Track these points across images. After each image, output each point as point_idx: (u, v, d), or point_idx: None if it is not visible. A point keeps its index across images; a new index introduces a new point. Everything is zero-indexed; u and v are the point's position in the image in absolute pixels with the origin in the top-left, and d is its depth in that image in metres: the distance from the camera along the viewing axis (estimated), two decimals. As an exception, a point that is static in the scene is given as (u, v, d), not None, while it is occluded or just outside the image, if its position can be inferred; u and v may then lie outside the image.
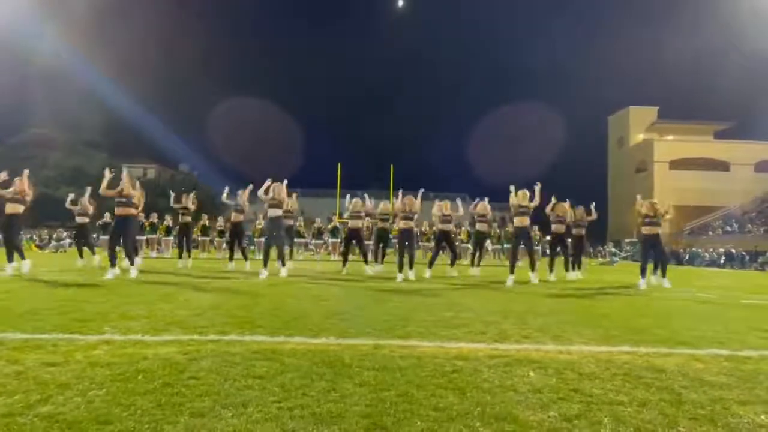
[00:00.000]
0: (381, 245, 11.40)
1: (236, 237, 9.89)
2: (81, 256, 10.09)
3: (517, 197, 8.47)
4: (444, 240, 9.82)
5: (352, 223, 10.04)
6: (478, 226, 10.53)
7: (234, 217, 9.95)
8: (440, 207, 9.75)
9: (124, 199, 7.58)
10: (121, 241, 7.78)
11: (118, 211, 7.62)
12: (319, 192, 43.86)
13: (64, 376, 2.40)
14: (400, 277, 8.41)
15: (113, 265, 7.47)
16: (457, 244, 11.81)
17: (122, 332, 3.48)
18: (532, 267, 8.67)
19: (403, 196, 9.15)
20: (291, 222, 10.12)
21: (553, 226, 9.80)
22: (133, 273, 7.59)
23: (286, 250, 9.27)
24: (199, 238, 18.14)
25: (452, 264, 10.24)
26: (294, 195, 9.64)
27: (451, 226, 9.86)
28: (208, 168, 55.41)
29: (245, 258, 9.85)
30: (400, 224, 8.90)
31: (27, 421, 1.85)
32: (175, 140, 53.90)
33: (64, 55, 40.20)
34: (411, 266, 8.81)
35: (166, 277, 7.96)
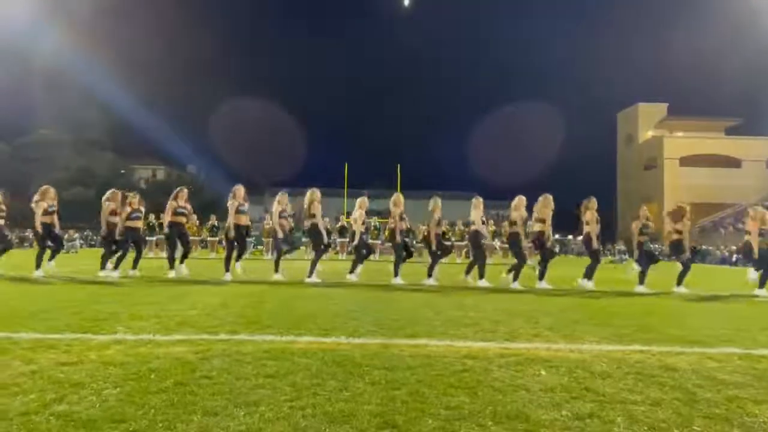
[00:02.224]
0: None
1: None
2: None
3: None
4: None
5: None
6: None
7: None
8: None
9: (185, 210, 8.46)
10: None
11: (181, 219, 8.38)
12: (326, 192, 43.89)
13: (78, 376, 2.43)
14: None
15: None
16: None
17: (134, 332, 3.51)
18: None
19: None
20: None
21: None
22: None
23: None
24: (208, 239, 18.31)
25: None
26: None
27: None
28: (216, 169, 55.70)
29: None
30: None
31: (43, 420, 1.87)
32: (182, 142, 54.19)
33: (72, 57, 40.58)
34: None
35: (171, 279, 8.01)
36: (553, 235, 8.36)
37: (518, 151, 57.25)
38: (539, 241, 7.90)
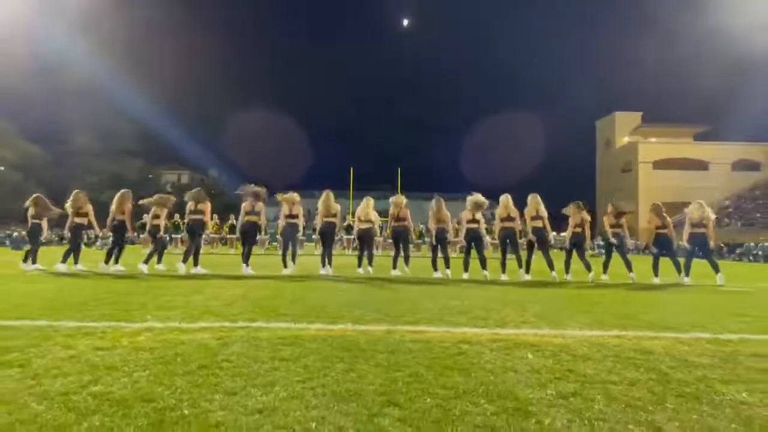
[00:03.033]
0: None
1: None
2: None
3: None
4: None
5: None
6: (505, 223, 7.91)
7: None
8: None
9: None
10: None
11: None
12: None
13: (112, 360, 2.44)
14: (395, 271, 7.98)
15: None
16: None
17: (162, 320, 3.52)
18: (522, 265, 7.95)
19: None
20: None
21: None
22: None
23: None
24: (228, 236, 18.35)
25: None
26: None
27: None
28: (232, 173, 55.92)
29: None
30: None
31: (81, 399, 1.89)
32: (202, 148, 54.37)
33: (104, 74, 40.89)
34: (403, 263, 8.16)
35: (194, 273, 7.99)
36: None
37: (510, 155, 57.28)
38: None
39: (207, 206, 7.98)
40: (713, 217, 7.90)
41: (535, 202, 7.99)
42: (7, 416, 1.72)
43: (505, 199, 8.00)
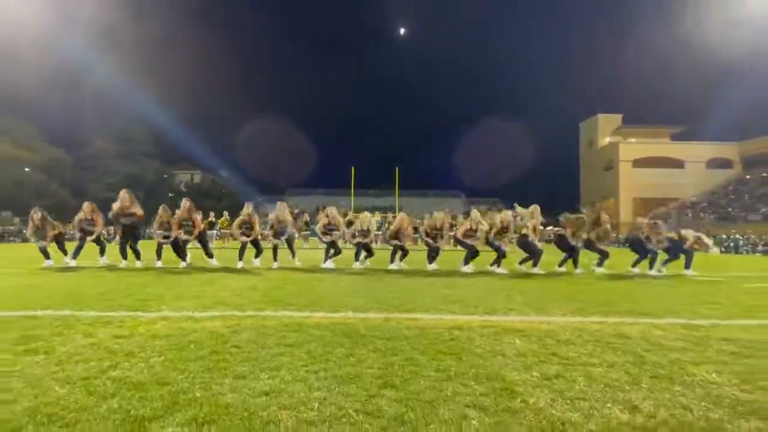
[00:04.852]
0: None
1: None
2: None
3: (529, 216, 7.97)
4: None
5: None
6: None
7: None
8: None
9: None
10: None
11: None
12: (335, 191, 43.98)
13: (130, 346, 2.45)
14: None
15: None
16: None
17: (176, 310, 3.52)
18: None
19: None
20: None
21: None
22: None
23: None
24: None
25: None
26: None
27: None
28: (238, 173, 55.89)
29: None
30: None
31: (101, 383, 1.90)
32: (213, 150, 54.06)
33: (121, 81, 40.70)
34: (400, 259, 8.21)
35: (207, 266, 7.99)
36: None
37: (498, 155, 56.91)
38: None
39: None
40: (692, 238, 8.03)
41: (536, 213, 7.94)
42: (33, 399, 1.73)
43: (504, 215, 8.00)
